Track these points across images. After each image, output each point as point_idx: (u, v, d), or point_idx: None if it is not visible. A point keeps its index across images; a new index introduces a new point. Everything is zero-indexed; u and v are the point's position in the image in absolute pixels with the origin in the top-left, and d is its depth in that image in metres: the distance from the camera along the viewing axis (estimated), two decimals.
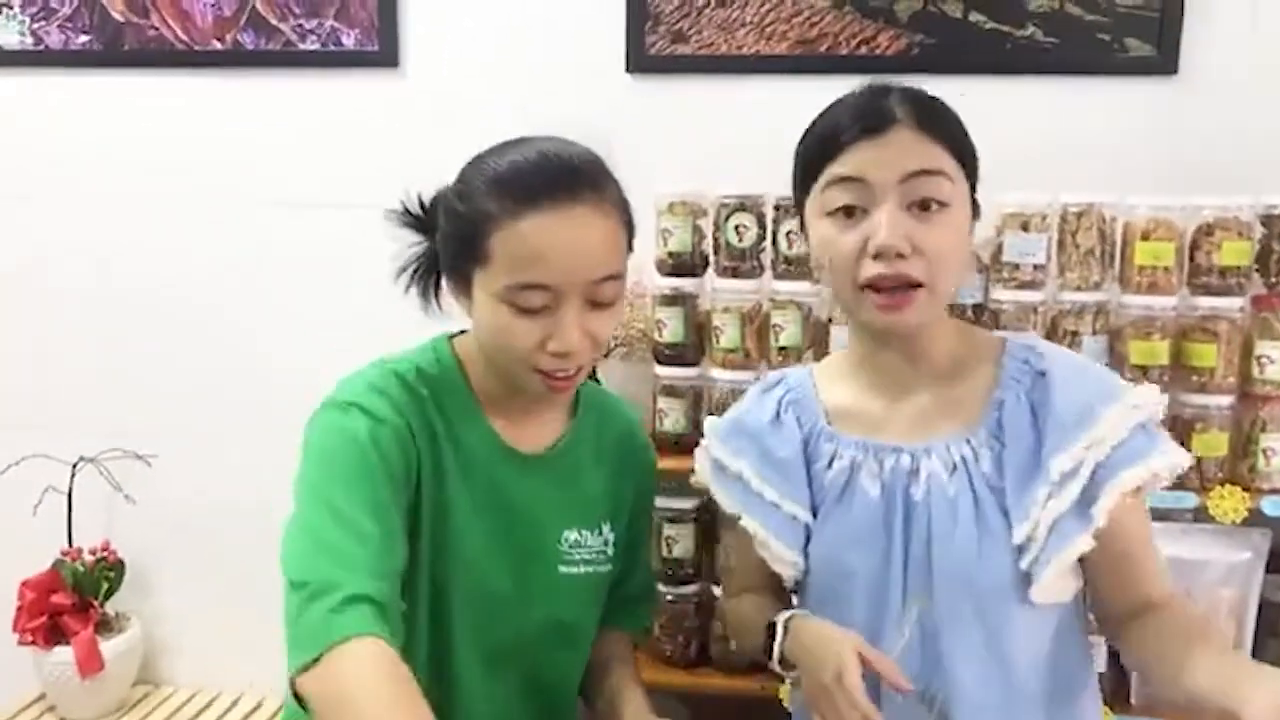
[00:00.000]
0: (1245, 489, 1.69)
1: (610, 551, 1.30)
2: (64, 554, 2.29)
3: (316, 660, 0.95)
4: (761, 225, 1.83)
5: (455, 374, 1.22)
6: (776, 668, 1.21)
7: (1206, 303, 1.70)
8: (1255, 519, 1.70)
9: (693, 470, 1.80)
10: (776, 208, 1.82)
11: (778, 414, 1.28)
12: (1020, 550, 1.13)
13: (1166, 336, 1.70)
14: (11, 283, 2.39)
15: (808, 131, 1.20)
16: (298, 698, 0.98)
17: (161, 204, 2.31)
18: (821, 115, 1.19)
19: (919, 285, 1.12)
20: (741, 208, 1.82)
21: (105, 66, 2.27)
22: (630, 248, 1.19)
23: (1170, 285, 1.70)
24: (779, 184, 1.80)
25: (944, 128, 1.14)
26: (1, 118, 2.34)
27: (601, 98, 2.10)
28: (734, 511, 1.28)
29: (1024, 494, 1.14)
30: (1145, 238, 1.70)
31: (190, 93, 2.26)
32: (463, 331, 1.26)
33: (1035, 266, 1.73)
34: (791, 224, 1.80)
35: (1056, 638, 1.18)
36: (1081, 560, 1.15)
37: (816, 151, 1.17)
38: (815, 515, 1.23)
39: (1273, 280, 1.70)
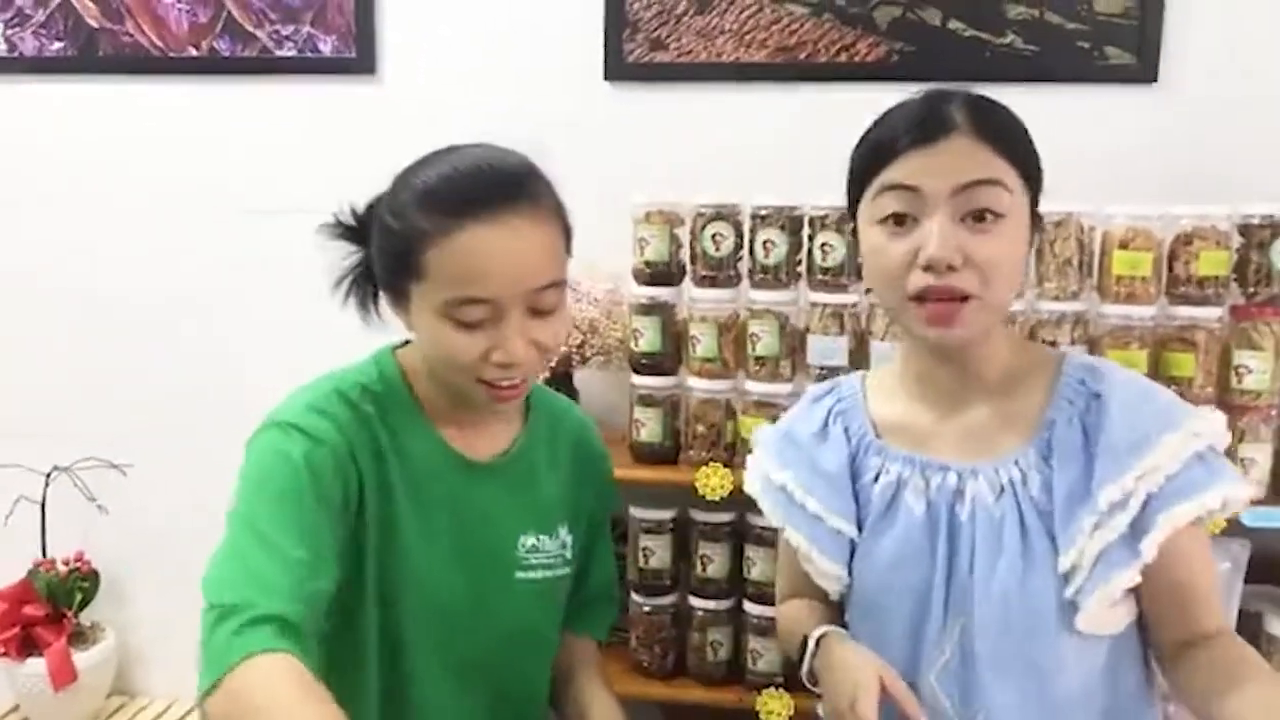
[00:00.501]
0: None
1: (568, 555, 1.29)
2: (37, 564, 2.27)
3: (221, 680, 0.93)
4: (739, 234, 1.81)
5: (400, 387, 1.20)
6: (806, 683, 1.21)
7: (1185, 312, 1.69)
8: (1234, 530, 1.69)
9: (679, 480, 1.83)
10: (754, 217, 1.80)
11: (826, 424, 1.25)
12: (1066, 578, 1.10)
13: (1145, 346, 1.69)
14: None
15: (864, 136, 1.16)
16: None
17: (139, 211, 2.29)
18: (879, 119, 1.15)
19: (969, 298, 1.08)
20: (718, 217, 1.80)
21: (80, 73, 2.26)
22: (569, 252, 1.17)
23: (1148, 295, 1.70)
24: (757, 192, 1.82)
25: (1004, 136, 1.10)
26: None
27: (579, 105, 2.09)
28: (778, 523, 1.27)
29: (1071, 521, 1.10)
30: (1123, 247, 1.69)
31: (166, 100, 2.24)
32: (407, 342, 1.25)
33: None
34: (768, 233, 1.79)
35: (1108, 669, 1.14)
36: (1134, 588, 1.11)
37: (870, 157, 1.13)
38: (861, 529, 1.21)
39: (1251, 290, 1.69)
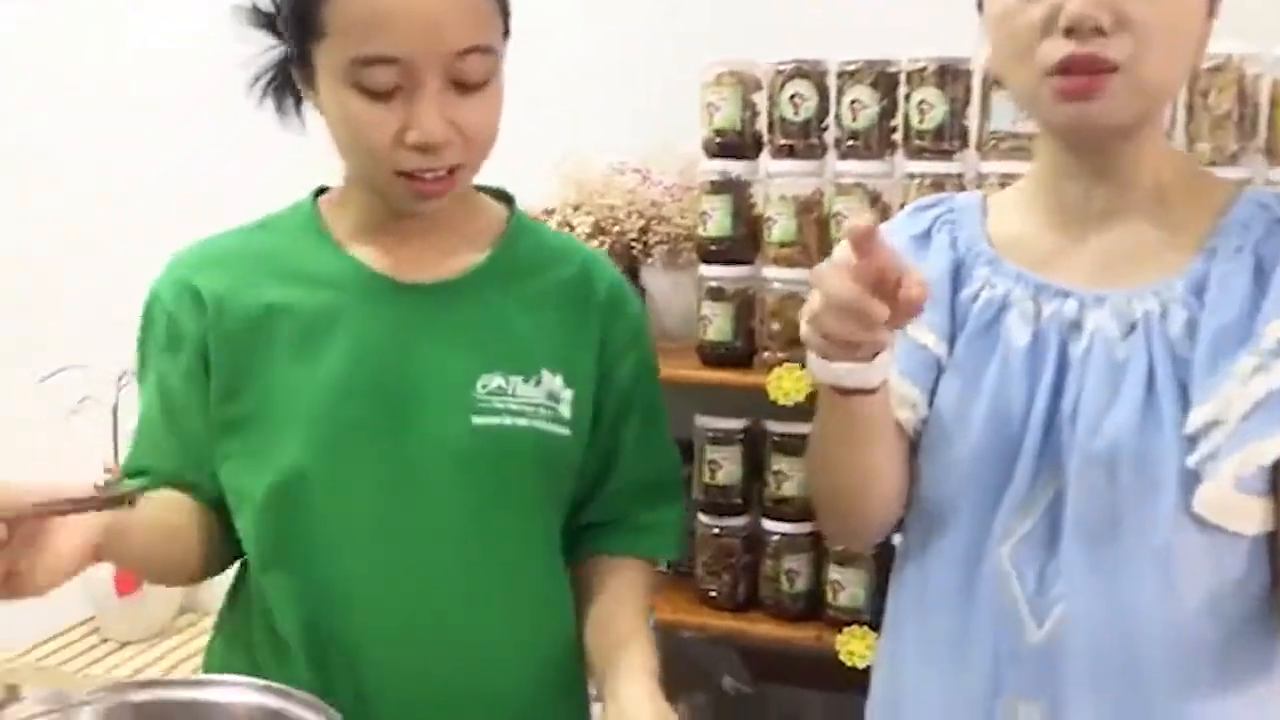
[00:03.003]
0: None
1: (563, 411, 1.03)
2: (108, 469, 2.22)
3: None
4: (823, 97, 1.57)
5: (307, 213, 1.06)
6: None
7: None
8: None
9: (751, 383, 1.59)
10: (840, 75, 1.56)
11: (929, 231, 1.03)
12: (1194, 441, 0.87)
13: None
14: None
15: None
16: None
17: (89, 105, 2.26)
18: None
19: (1115, 69, 0.86)
20: (799, 74, 1.56)
21: None
22: (507, 28, 0.98)
23: None
24: (846, 49, 1.56)
25: None
26: None
27: None
28: None
29: (1217, 369, 0.87)
30: None
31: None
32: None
33: None
34: (856, 91, 1.53)
35: (1229, 587, 0.89)
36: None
37: None
38: (952, 350, 0.98)
39: None
